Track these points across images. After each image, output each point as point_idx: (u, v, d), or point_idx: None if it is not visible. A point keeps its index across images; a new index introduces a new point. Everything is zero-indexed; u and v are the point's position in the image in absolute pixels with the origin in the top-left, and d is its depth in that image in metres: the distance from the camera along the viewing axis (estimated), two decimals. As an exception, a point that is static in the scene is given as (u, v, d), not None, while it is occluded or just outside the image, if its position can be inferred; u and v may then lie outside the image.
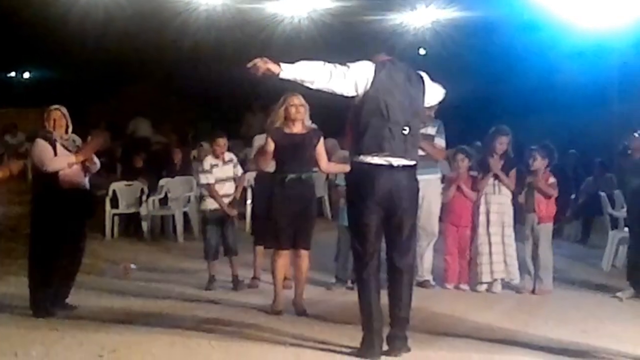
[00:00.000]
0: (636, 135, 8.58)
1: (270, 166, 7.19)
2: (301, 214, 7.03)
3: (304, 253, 7.11)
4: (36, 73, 24.80)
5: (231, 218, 8.42)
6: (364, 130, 5.56)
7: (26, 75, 25.47)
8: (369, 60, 5.66)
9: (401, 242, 5.68)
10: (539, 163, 8.31)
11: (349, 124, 5.78)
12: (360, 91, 5.55)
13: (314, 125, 7.23)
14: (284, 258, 7.11)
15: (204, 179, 8.36)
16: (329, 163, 7.18)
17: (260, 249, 8.28)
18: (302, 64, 5.45)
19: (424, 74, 5.87)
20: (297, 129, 6.98)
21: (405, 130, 5.57)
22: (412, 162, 5.68)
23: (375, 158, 5.55)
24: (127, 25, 14.39)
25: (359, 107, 5.58)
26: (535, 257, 8.24)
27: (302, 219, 7.05)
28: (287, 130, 6.96)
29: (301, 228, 7.05)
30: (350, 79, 5.52)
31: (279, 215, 6.99)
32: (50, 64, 21.79)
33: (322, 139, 7.03)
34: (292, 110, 6.93)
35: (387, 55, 5.75)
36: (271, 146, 6.92)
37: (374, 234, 5.63)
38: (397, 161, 5.57)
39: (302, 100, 6.94)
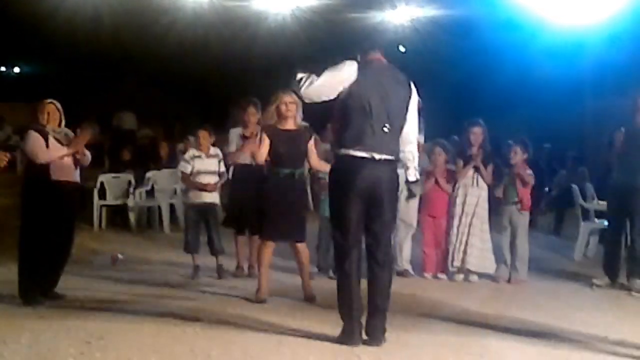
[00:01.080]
0: (622, 130, 8.75)
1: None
2: (294, 208, 7.10)
3: (301, 246, 7.20)
4: (25, 68, 24.84)
5: (214, 206, 8.50)
6: (347, 125, 5.63)
7: (16, 70, 25.52)
8: (357, 58, 5.76)
9: (381, 233, 5.74)
10: (519, 157, 8.49)
11: (333, 118, 5.85)
12: (342, 88, 5.63)
13: (305, 123, 7.33)
14: (270, 248, 7.14)
15: (181, 167, 8.44)
16: (319, 160, 7.30)
17: (241, 238, 8.38)
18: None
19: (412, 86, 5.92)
20: (289, 125, 7.10)
21: (386, 127, 5.63)
22: (394, 157, 5.76)
23: (358, 151, 5.61)
24: (116, 21, 14.51)
25: (343, 103, 5.66)
26: (512, 248, 8.40)
27: (296, 213, 7.13)
28: (279, 127, 7.08)
29: (295, 222, 7.12)
30: (333, 87, 5.65)
31: (272, 208, 7.03)
32: (39, 59, 21.84)
33: (312, 137, 7.20)
34: (283, 107, 7.04)
35: (374, 54, 5.83)
36: (267, 142, 7.01)
37: (355, 225, 5.65)
38: (379, 155, 5.63)
39: (294, 98, 6.96)
